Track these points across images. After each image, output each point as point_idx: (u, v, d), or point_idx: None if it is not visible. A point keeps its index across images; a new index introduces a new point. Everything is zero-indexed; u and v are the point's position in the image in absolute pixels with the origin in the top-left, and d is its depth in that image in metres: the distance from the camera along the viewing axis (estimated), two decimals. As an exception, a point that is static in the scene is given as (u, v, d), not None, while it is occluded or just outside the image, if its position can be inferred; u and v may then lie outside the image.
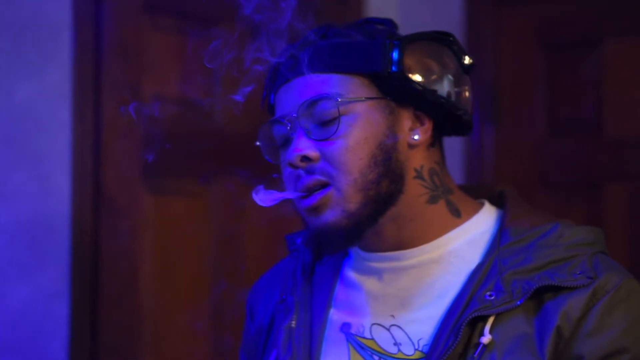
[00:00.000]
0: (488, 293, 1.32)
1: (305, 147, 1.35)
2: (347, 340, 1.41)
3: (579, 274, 1.32)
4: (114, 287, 2.38)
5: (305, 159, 1.35)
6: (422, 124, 1.39)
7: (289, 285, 1.48)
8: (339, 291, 1.45)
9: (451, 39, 1.41)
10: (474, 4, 3.15)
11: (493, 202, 1.46)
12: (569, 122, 3.02)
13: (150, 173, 2.48)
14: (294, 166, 1.35)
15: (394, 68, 1.34)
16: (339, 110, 1.34)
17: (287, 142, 1.38)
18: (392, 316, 1.39)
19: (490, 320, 1.31)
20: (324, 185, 1.34)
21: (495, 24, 3.11)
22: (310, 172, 1.35)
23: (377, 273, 1.41)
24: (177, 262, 2.56)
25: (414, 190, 1.38)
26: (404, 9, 3.06)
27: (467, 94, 1.41)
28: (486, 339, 1.30)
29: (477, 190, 1.48)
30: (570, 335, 1.30)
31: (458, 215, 1.41)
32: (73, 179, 2.30)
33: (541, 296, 1.32)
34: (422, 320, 1.36)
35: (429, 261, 1.39)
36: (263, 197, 1.38)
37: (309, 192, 1.35)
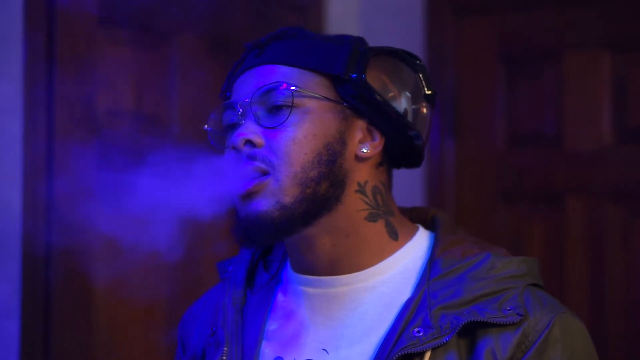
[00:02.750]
0: (416, 329, 1.30)
1: (251, 132, 1.33)
2: None
3: (509, 309, 1.30)
4: (67, 305, 2.34)
5: (249, 143, 1.33)
6: (373, 139, 1.37)
7: (219, 317, 1.44)
8: (271, 322, 1.41)
9: (419, 62, 1.39)
10: (435, 16, 3.14)
11: (426, 226, 1.44)
12: (529, 135, 3.02)
13: (105, 187, 2.44)
14: (236, 149, 1.33)
15: (355, 74, 1.33)
16: (292, 100, 1.32)
17: (235, 128, 1.36)
18: (325, 350, 1.36)
19: (426, 359, 1.28)
20: (264, 173, 1.32)
21: (455, 36, 3.11)
22: (251, 158, 1.32)
23: (310, 299, 1.39)
24: (133, 279, 2.52)
25: (354, 204, 1.36)
26: (365, 19, 3.05)
27: (424, 120, 1.40)
28: None
29: (411, 213, 1.46)
30: None
31: (395, 238, 1.38)
32: (24, 196, 2.26)
33: (473, 332, 1.30)
34: (355, 356, 1.33)
35: (362, 290, 1.36)
36: None
37: (246, 178, 1.32)
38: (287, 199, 1.31)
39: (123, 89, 2.52)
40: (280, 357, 1.38)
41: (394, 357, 1.28)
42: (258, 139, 1.32)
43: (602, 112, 2.91)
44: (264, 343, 1.40)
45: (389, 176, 1.41)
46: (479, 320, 1.29)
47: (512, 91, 3.03)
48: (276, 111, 1.33)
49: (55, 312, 2.32)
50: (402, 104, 1.37)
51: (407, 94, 1.37)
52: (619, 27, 2.90)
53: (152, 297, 2.54)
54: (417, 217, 1.46)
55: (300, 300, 1.40)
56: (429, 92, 1.40)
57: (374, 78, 1.35)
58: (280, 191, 1.31)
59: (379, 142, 1.37)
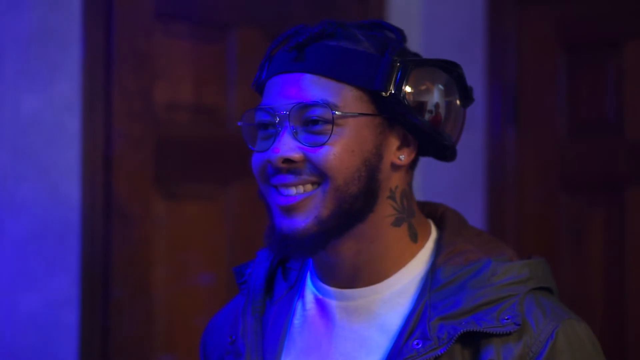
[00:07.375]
0: (415, 342, 1.30)
1: (290, 149, 1.32)
2: None
3: (507, 319, 1.28)
4: (125, 294, 2.40)
5: (288, 161, 1.32)
6: (408, 145, 1.37)
7: (239, 325, 1.44)
8: (291, 333, 1.42)
9: (458, 71, 1.37)
10: (497, 4, 3.12)
11: (437, 223, 1.43)
12: (590, 123, 2.98)
13: (162, 179, 2.49)
14: (274, 166, 1.32)
15: (395, 91, 1.32)
16: (333, 123, 1.31)
17: (268, 130, 1.35)
18: None
19: None
20: (312, 184, 1.32)
21: (517, 24, 3.08)
22: (295, 173, 1.32)
23: (330, 311, 1.39)
24: (191, 268, 2.57)
25: (384, 211, 1.36)
26: (427, 8, 3.03)
27: (457, 122, 1.39)
28: None
29: (423, 208, 1.45)
30: None
31: (415, 240, 1.39)
32: (83, 188, 2.32)
33: (478, 343, 1.29)
34: None
35: (379, 302, 1.37)
36: None
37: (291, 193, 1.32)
38: (325, 212, 1.32)
39: (182, 81, 2.56)
40: None
41: None
42: (297, 156, 1.32)
43: (664, 101, 2.87)
44: (284, 353, 1.41)
45: (413, 173, 1.41)
46: (475, 330, 1.28)
47: (573, 79, 3.00)
48: (313, 125, 1.32)
49: (113, 301, 2.38)
50: (440, 113, 1.35)
51: (446, 105, 1.36)
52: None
53: (211, 285, 2.58)
54: (428, 213, 1.45)
55: (320, 312, 1.40)
56: (468, 98, 1.39)
57: (415, 90, 1.33)
58: (322, 203, 1.32)
59: (413, 147, 1.37)
